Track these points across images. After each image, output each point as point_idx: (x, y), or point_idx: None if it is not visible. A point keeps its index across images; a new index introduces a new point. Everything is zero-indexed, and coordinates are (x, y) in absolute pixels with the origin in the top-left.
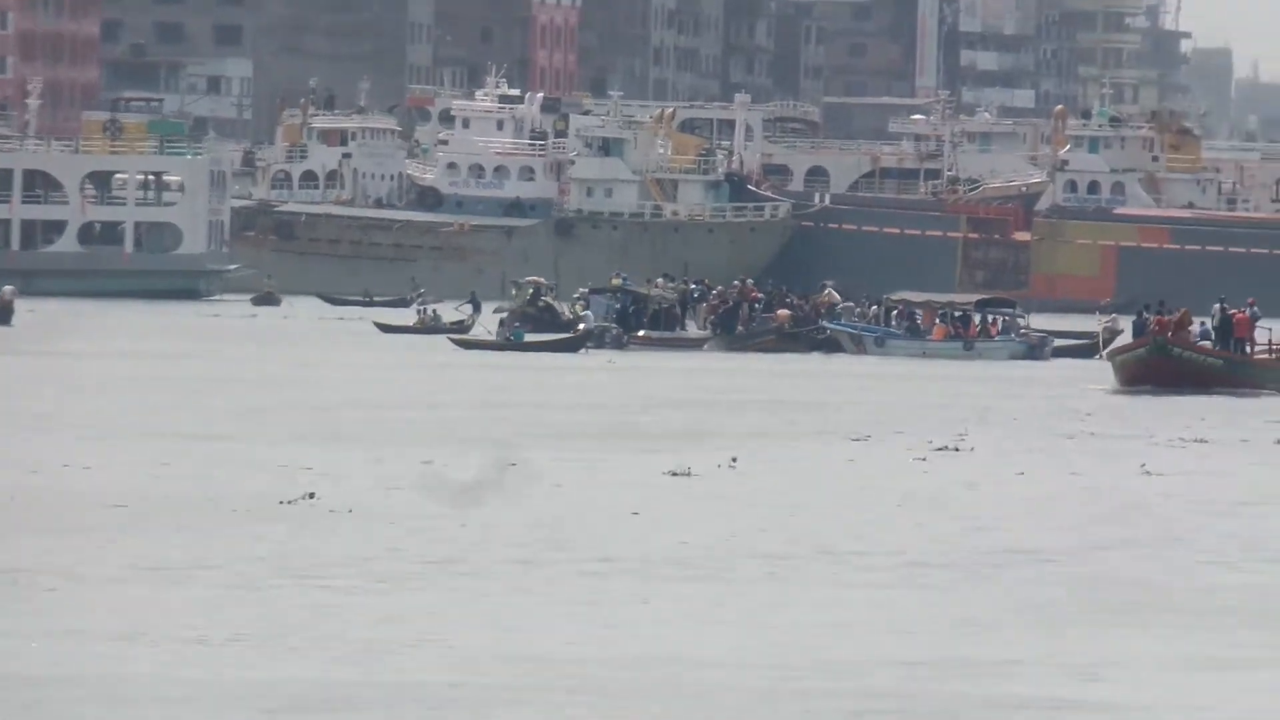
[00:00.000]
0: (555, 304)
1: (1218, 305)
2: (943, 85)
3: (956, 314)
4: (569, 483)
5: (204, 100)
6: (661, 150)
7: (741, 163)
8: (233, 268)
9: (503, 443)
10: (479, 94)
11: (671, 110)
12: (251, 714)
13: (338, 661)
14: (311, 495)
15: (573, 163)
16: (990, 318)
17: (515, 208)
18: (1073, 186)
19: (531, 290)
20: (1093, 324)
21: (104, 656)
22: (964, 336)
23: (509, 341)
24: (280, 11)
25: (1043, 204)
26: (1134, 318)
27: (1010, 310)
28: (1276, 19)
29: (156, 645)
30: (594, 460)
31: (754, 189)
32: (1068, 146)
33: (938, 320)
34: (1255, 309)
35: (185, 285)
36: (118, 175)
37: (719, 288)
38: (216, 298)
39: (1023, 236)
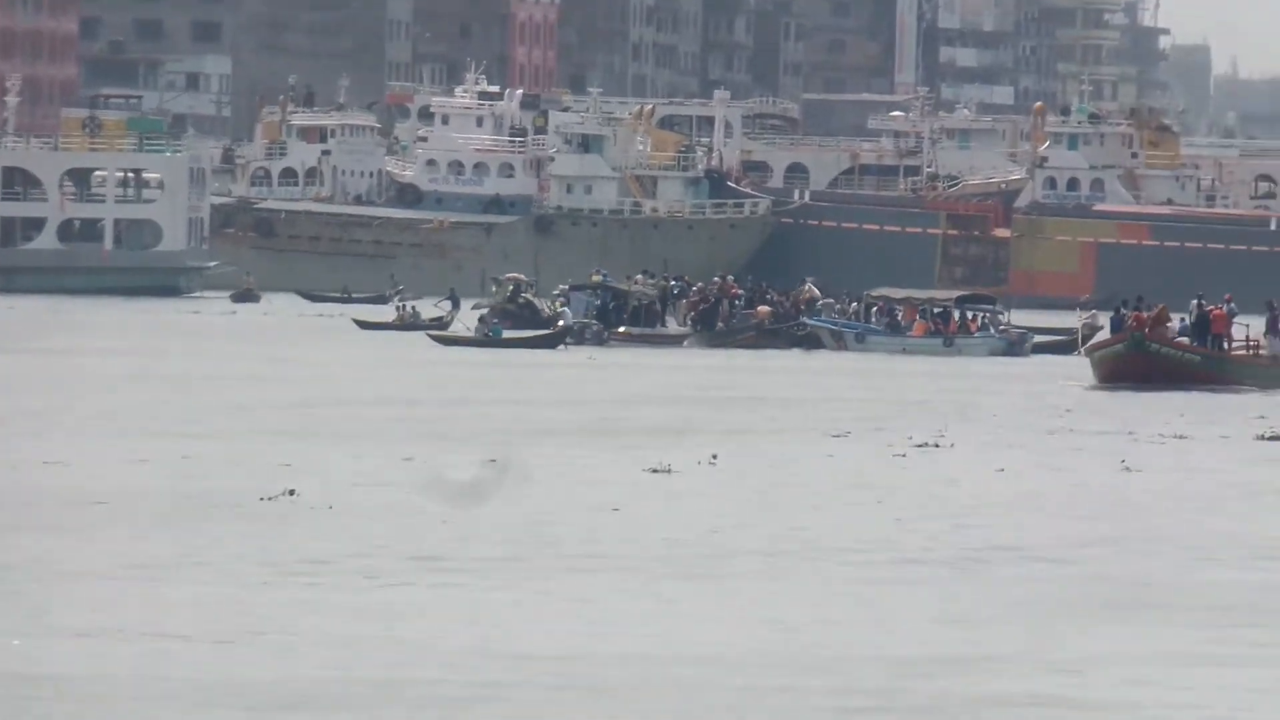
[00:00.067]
0: (535, 300)
1: (1195, 302)
2: (922, 82)
3: (936, 310)
4: (549, 479)
5: (183, 97)
6: (641, 147)
7: (721, 159)
8: (212, 265)
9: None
10: (458, 91)
11: (651, 107)
12: (233, 712)
13: (319, 659)
14: (291, 492)
15: (552, 159)
16: (970, 314)
17: (495, 204)
18: (1052, 183)
19: (511, 287)
20: (1073, 320)
21: (84, 654)
22: (944, 333)
23: (487, 338)
24: (259, 9)
25: (1022, 200)
26: (1111, 314)
27: (990, 307)
28: (1255, 16)
29: (137, 643)
30: (574, 457)
31: (733, 186)
32: (1047, 143)
33: (918, 317)
34: (1232, 305)
35: (165, 282)
36: (97, 172)
37: (699, 284)
38: (196, 295)
39: (1002, 233)
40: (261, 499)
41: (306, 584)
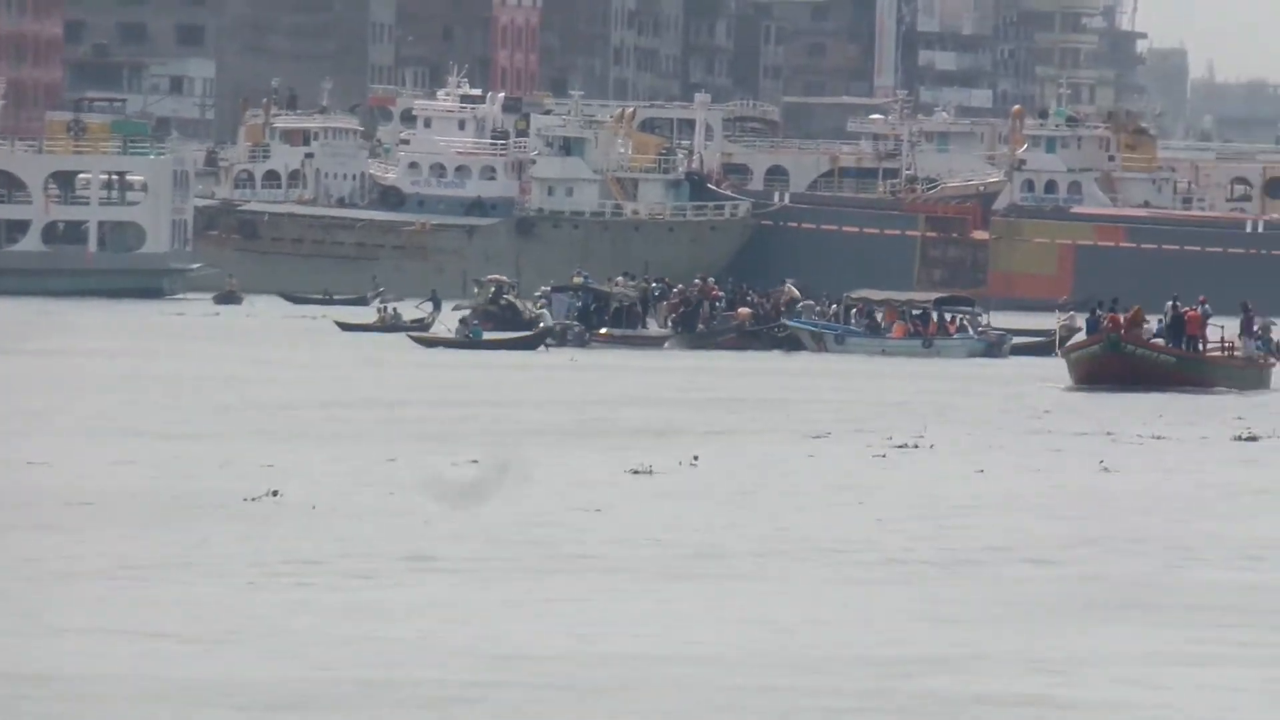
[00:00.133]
0: (517, 302)
1: (1170, 303)
2: (901, 85)
3: (916, 312)
4: (531, 480)
5: (167, 100)
6: (622, 150)
7: (701, 162)
8: (196, 267)
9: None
10: (440, 94)
11: (632, 110)
12: (221, 711)
13: (305, 659)
14: (275, 493)
15: (534, 162)
16: (949, 316)
17: (476, 207)
18: (1030, 186)
19: (493, 289)
20: (1051, 322)
21: (70, 654)
22: (923, 334)
23: (468, 339)
24: (242, 12)
25: (1000, 203)
26: (1087, 315)
27: (968, 308)
28: (1231, 20)
29: (122, 643)
30: (556, 458)
31: (714, 188)
32: (1025, 146)
33: (898, 318)
34: (1206, 307)
35: (148, 284)
36: (81, 175)
37: (679, 286)
38: (179, 297)
39: (980, 235)
40: (245, 500)
41: (291, 584)
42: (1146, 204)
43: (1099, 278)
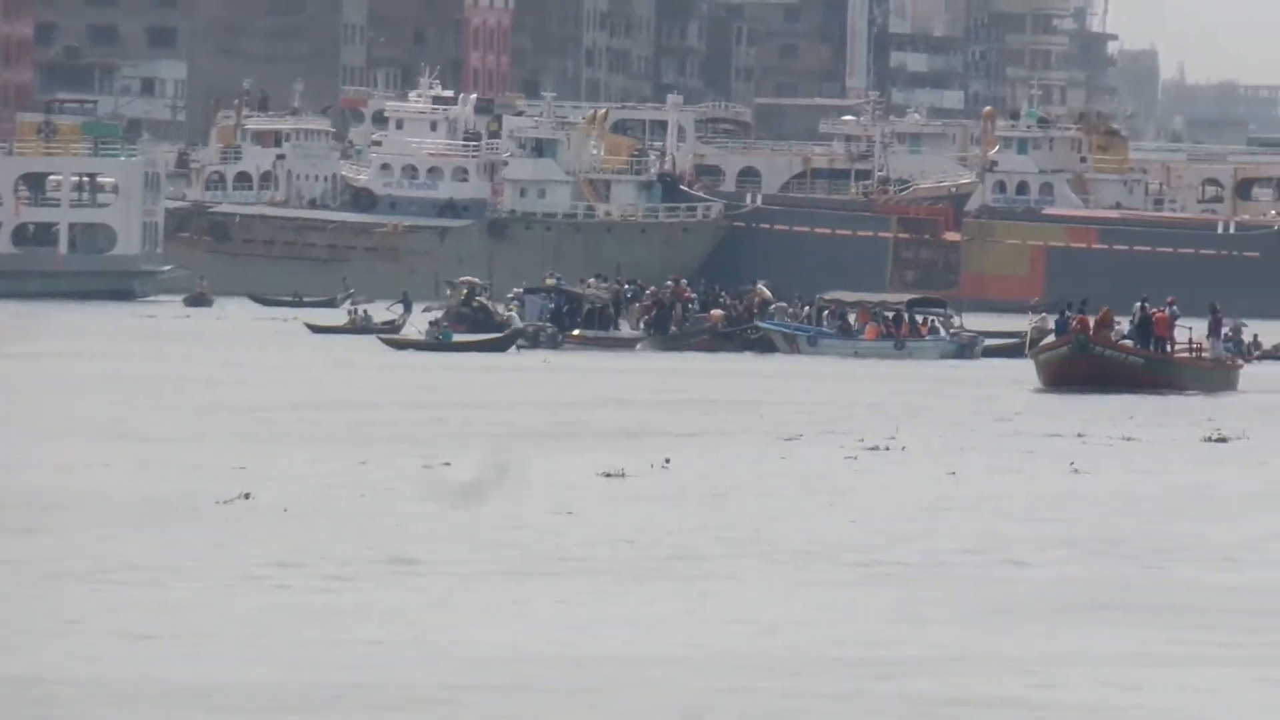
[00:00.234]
0: (489, 304)
1: (1138, 304)
2: (873, 86)
3: (888, 314)
4: (504, 482)
5: (138, 102)
6: (594, 151)
7: (674, 163)
8: (167, 269)
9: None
10: (412, 95)
11: (604, 111)
12: (196, 714)
13: (277, 661)
14: (247, 495)
15: (506, 164)
16: (921, 317)
17: (449, 208)
18: (1001, 187)
19: (466, 290)
20: (1023, 324)
21: (41, 655)
22: (895, 336)
23: (438, 341)
24: (214, 13)
25: (972, 204)
26: (1056, 316)
27: (941, 310)
28: (1202, 22)
29: (94, 645)
30: (527, 460)
31: (686, 189)
32: (997, 147)
33: (871, 320)
34: (1174, 308)
35: (119, 286)
36: (52, 177)
37: (652, 288)
38: (150, 299)
39: (952, 236)
40: (218, 502)
41: (265, 587)
42: (1118, 205)
43: (1071, 279)
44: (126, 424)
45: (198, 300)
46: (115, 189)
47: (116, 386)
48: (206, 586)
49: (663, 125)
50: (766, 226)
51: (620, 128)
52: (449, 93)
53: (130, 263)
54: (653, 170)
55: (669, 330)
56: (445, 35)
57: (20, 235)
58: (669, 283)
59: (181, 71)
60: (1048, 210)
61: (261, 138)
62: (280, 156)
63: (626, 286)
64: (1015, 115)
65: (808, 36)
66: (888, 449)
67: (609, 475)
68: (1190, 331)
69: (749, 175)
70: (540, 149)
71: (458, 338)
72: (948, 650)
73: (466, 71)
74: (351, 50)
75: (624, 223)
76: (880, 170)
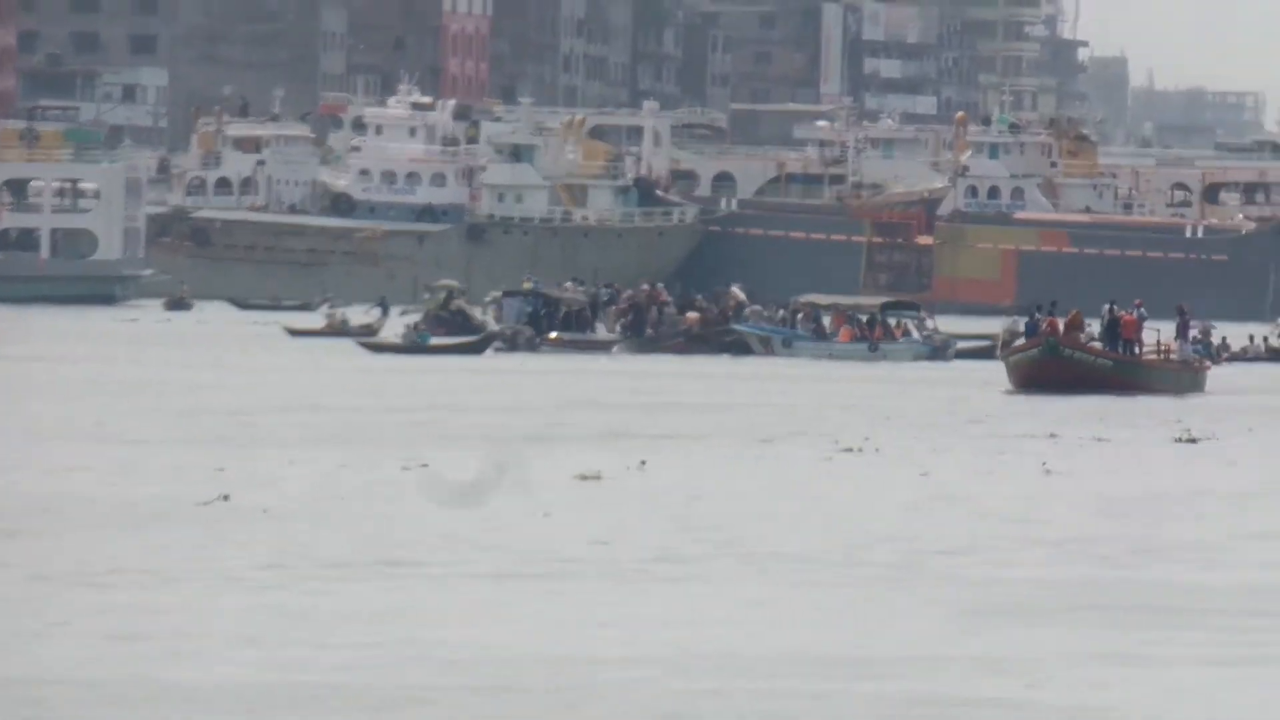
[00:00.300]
0: (467, 308)
1: (1107, 307)
2: (847, 92)
3: (862, 317)
4: (480, 485)
5: (120, 108)
6: (571, 156)
7: (650, 169)
8: (148, 273)
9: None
10: (391, 101)
11: (581, 117)
12: (179, 713)
13: (256, 662)
14: (226, 497)
15: (484, 169)
16: (894, 320)
17: (427, 213)
18: (973, 191)
19: (444, 294)
20: (996, 326)
21: (21, 657)
22: (869, 339)
23: (415, 344)
24: (195, 20)
25: (944, 209)
26: (1026, 319)
27: (914, 313)
28: (1171, 29)
29: (73, 646)
30: (504, 463)
31: (662, 194)
32: (969, 152)
33: (846, 323)
34: (1142, 310)
35: (100, 291)
36: (34, 182)
37: (628, 291)
38: (131, 303)
39: (925, 240)
40: (197, 505)
41: (244, 588)
42: (1088, 209)
43: (1042, 282)
44: (107, 427)
45: (178, 304)
46: (97, 194)
47: (97, 390)
48: (188, 588)
49: (639, 131)
50: (741, 231)
51: (597, 133)
52: (427, 99)
53: (111, 268)
54: (629, 175)
55: (645, 333)
56: (424, 42)
57: (2, 240)
58: (644, 286)
59: (163, 78)
60: (1019, 214)
61: (242, 144)
62: (260, 162)
63: (603, 290)
64: (987, 121)
65: (783, 43)
66: (861, 451)
67: (585, 478)
68: (1158, 334)
69: (724, 180)
70: (518, 154)
71: (435, 341)
72: (925, 651)
73: (445, 78)
74: (331, 57)
75: (600, 227)
76: (854, 175)
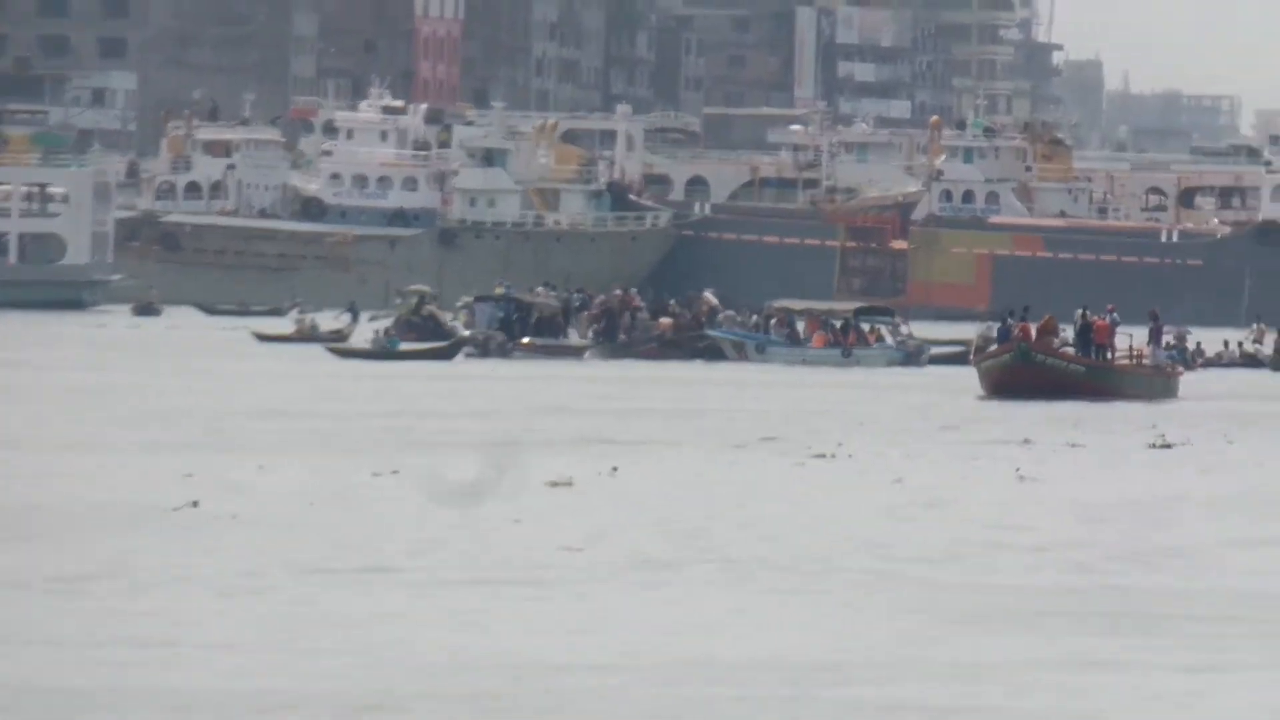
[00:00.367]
0: (438, 313)
1: (1079, 312)
2: (820, 96)
3: (836, 322)
4: (451, 491)
5: (89, 112)
6: (544, 161)
7: (623, 173)
8: (116, 278)
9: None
10: (362, 105)
11: (554, 121)
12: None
13: (223, 669)
14: (195, 503)
15: (456, 173)
16: (868, 325)
17: (398, 218)
18: (948, 196)
19: (416, 299)
20: (970, 332)
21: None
22: (842, 344)
23: (384, 350)
24: (164, 24)
25: (919, 213)
26: (999, 324)
27: (888, 318)
28: (1146, 33)
29: (41, 653)
30: (475, 468)
31: (635, 199)
32: (943, 157)
33: (819, 328)
34: (1115, 315)
35: (69, 296)
36: (2, 186)
37: (601, 296)
38: (100, 308)
39: (899, 245)
40: (166, 510)
41: (212, 594)
42: (1063, 214)
43: (1016, 287)
44: (75, 433)
45: (146, 310)
46: (65, 199)
47: (65, 396)
48: (158, 595)
49: (612, 135)
50: (714, 235)
51: (569, 137)
52: (399, 103)
53: (80, 272)
54: (601, 180)
55: (617, 339)
56: (396, 45)
57: None
58: (617, 291)
59: (132, 82)
60: (993, 219)
61: (212, 148)
62: (230, 166)
63: (575, 295)
64: (961, 125)
65: (756, 47)
66: (834, 457)
67: (556, 484)
68: (1131, 339)
69: (697, 184)
70: (490, 159)
71: (405, 346)
72: (901, 657)
73: (417, 81)
74: (302, 60)
75: (573, 232)
76: (827, 179)
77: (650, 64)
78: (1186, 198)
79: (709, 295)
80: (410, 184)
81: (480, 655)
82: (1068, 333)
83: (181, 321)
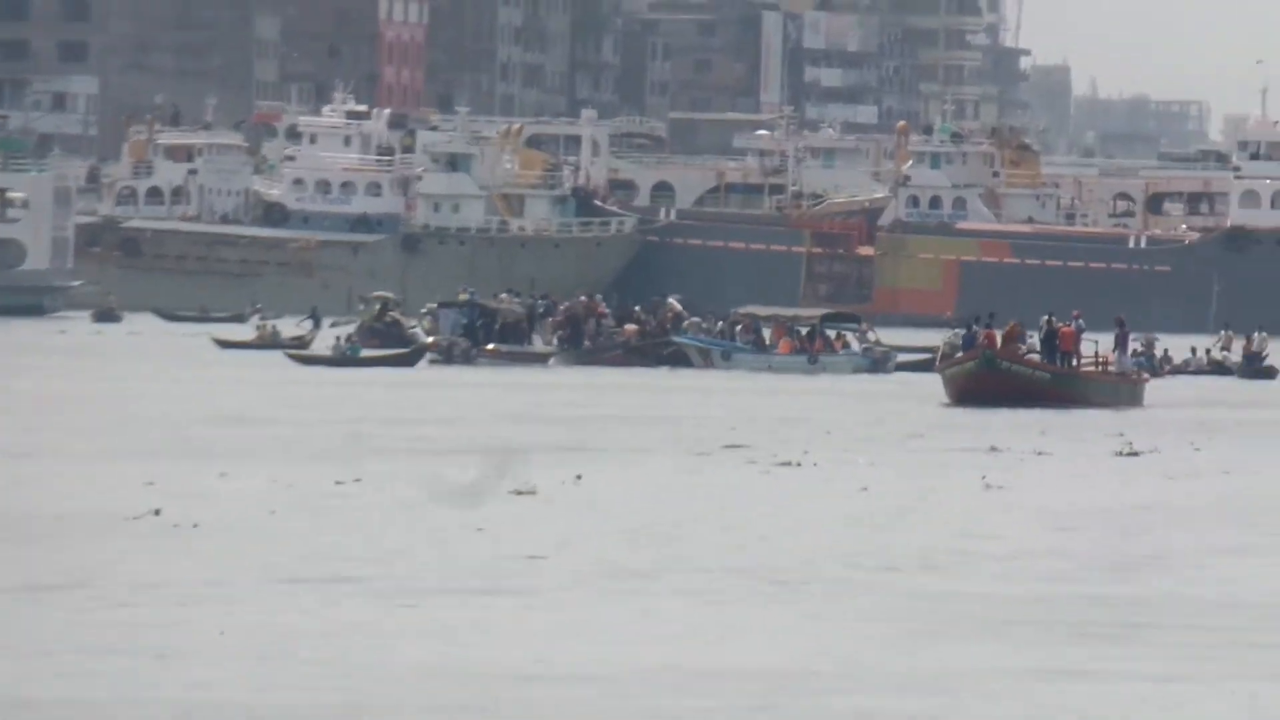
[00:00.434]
0: (401, 319)
1: (1044, 319)
2: (787, 101)
3: (802, 329)
4: (411, 500)
5: (49, 117)
6: (508, 166)
7: (588, 178)
8: (77, 284)
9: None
10: (326, 110)
11: (518, 126)
12: None
13: (186, 679)
14: (157, 512)
15: (420, 178)
16: (834, 332)
17: (362, 223)
18: (915, 201)
19: (379, 305)
20: (938, 339)
21: None
22: (809, 351)
23: (345, 357)
24: (126, 28)
25: (885, 219)
26: (964, 331)
27: (854, 325)
28: (1114, 37)
29: (11, 665)
30: (437, 477)
31: (600, 204)
32: (910, 162)
33: (785, 335)
34: (1080, 322)
35: (28, 302)
36: None
37: (565, 303)
38: (60, 314)
39: (866, 251)
40: (127, 519)
41: (173, 603)
42: (1030, 220)
43: (984, 293)
44: (34, 440)
45: (106, 316)
46: (25, 204)
47: (23, 402)
48: (120, 604)
49: (577, 140)
50: (680, 241)
51: (534, 142)
52: (363, 107)
53: (40, 278)
54: (567, 185)
55: (582, 345)
56: (359, 50)
57: None
58: (582, 297)
59: (93, 86)
60: (960, 225)
61: (173, 153)
62: (192, 171)
63: (540, 301)
64: (928, 130)
65: (722, 51)
66: (800, 465)
67: (520, 492)
68: (1096, 346)
69: (663, 190)
70: (454, 164)
71: (367, 353)
72: (870, 666)
73: (381, 86)
74: (265, 65)
75: (538, 237)
76: (794, 185)
77: (616, 69)
78: (1155, 204)
79: (673, 302)
80: (374, 189)
81: (447, 665)
82: (1034, 339)
83: (142, 328)
